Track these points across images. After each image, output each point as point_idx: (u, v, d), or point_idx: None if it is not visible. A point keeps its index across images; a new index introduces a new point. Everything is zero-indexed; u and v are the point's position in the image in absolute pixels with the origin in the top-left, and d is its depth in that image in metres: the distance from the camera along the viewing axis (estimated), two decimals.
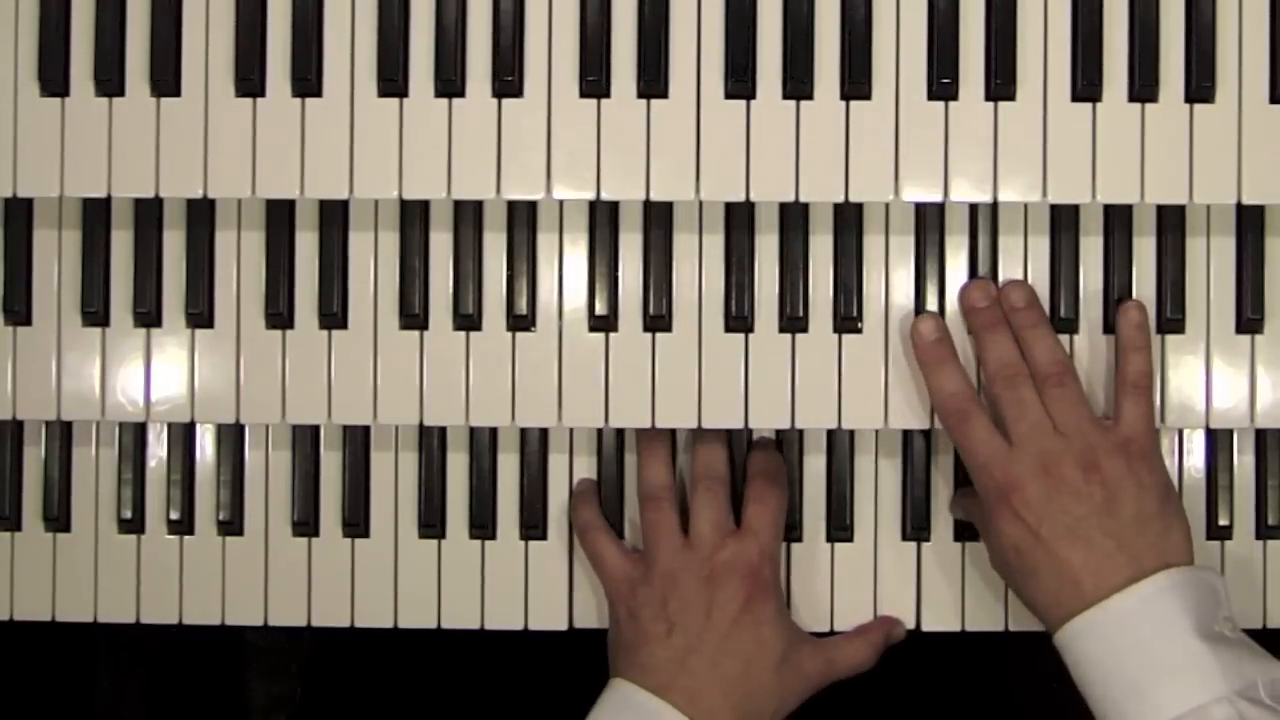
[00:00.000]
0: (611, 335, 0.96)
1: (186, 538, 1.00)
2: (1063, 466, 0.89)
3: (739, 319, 0.96)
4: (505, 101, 0.93)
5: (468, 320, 0.96)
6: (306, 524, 0.99)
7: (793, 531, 0.98)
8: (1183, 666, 0.84)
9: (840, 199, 0.93)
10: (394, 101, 0.93)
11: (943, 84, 0.93)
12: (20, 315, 0.97)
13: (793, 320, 0.96)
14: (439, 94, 0.94)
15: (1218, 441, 0.99)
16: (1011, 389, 0.92)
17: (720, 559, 0.93)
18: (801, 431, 0.99)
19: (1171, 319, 0.96)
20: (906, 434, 0.99)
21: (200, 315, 0.96)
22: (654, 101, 0.93)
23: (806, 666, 0.94)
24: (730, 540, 0.94)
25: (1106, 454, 0.90)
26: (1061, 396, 0.92)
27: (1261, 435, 0.99)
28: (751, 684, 0.92)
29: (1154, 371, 0.94)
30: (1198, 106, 0.93)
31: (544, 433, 1.00)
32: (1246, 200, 0.93)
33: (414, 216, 0.97)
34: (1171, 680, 0.84)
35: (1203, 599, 0.87)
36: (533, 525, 0.99)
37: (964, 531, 0.98)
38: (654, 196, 0.93)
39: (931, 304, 0.96)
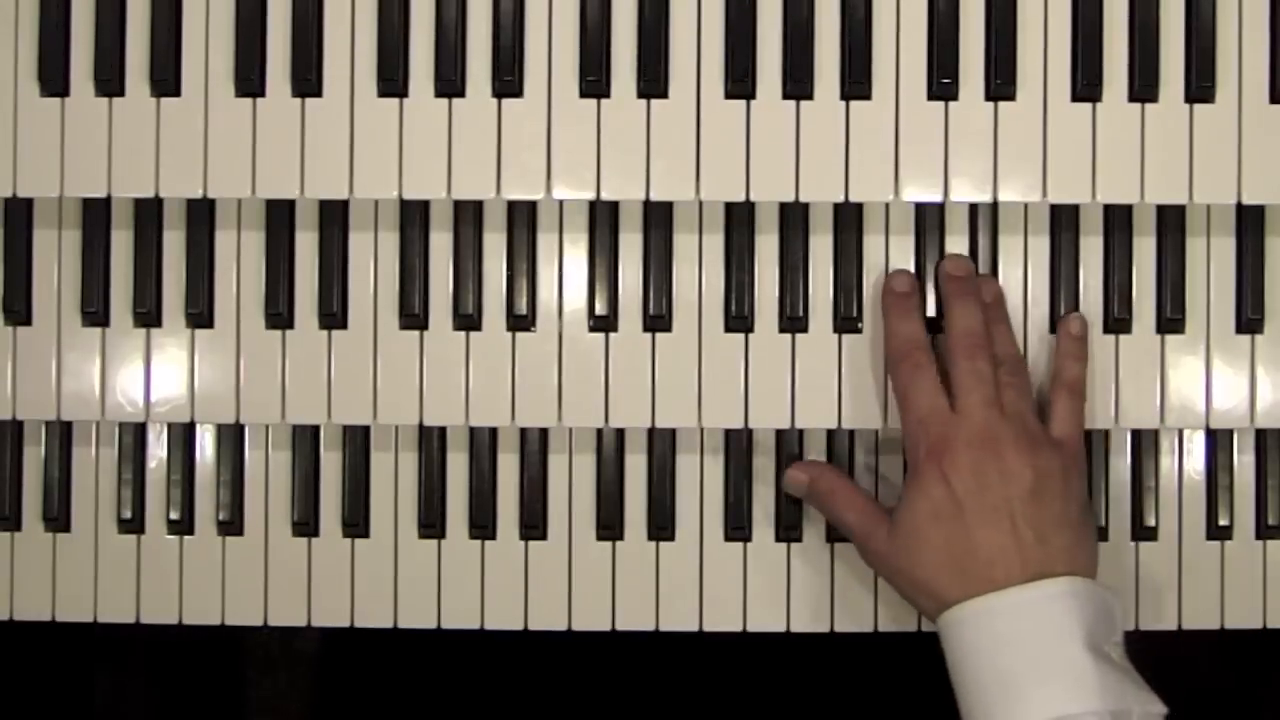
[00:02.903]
0: (611, 335, 0.96)
1: (186, 538, 1.00)
2: (1002, 445, 0.89)
3: (739, 319, 0.96)
4: (505, 101, 0.93)
5: (468, 320, 0.96)
6: (306, 524, 0.99)
7: (793, 531, 0.98)
8: (1063, 673, 0.83)
9: (840, 199, 0.93)
10: (394, 101, 0.93)
11: (943, 84, 0.93)
12: (20, 315, 0.97)
13: (793, 320, 0.96)
14: (439, 94, 0.94)
15: (1218, 441, 0.99)
16: (972, 359, 0.92)
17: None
18: (801, 431, 0.99)
19: (1171, 319, 0.96)
20: None
21: (200, 315, 0.96)
22: (654, 101, 0.93)
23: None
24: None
25: (1044, 446, 0.90)
26: (1013, 385, 0.92)
27: (1261, 435, 0.99)
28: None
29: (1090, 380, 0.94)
30: (1198, 106, 0.93)
31: (544, 433, 1.00)
32: (1246, 200, 0.93)
33: (414, 216, 0.97)
34: (1048, 684, 0.83)
35: (1099, 617, 0.86)
36: (533, 525, 0.99)
37: None
38: (654, 196, 0.93)
39: (931, 304, 0.96)
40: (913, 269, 0.97)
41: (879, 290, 0.96)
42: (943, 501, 0.88)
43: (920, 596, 0.90)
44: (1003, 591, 0.85)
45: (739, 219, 0.97)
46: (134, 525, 0.99)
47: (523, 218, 0.97)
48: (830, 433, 0.99)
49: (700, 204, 0.96)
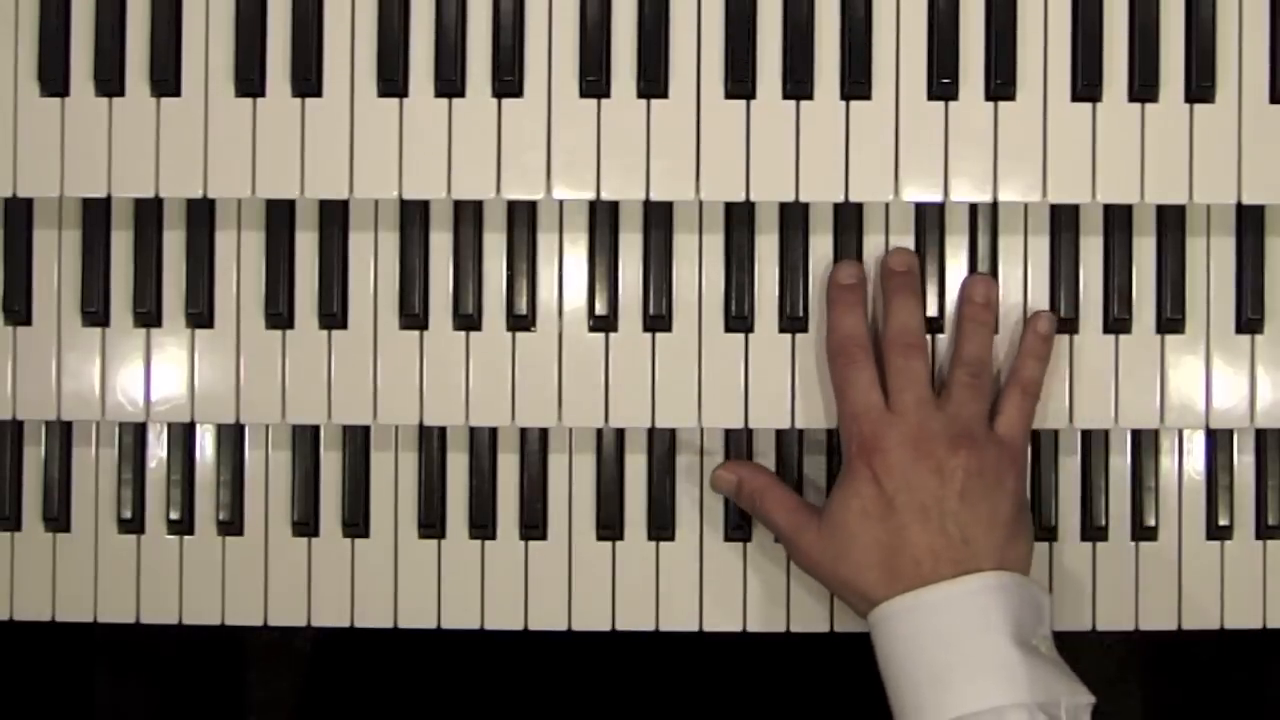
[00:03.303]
0: (611, 335, 0.96)
1: (186, 538, 1.00)
2: (934, 444, 0.89)
3: (739, 319, 0.96)
4: (505, 101, 0.93)
5: (468, 320, 0.96)
6: (306, 524, 0.99)
7: None
8: (990, 666, 0.84)
9: (840, 199, 0.93)
10: (394, 101, 0.93)
11: (943, 84, 0.93)
12: (20, 315, 0.97)
13: (793, 320, 0.96)
14: (439, 94, 0.94)
15: (1218, 441, 0.99)
16: (906, 357, 0.92)
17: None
18: (801, 431, 0.99)
19: (1171, 319, 0.96)
20: None
21: (200, 315, 0.96)
22: (654, 101, 0.93)
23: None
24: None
25: (980, 446, 0.90)
26: (968, 387, 0.92)
27: (1261, 435, 0.99)
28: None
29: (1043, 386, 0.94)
30: (1198, 106, 0.93)
31: (544, 433, 1.00)
32: (1246, 200, 0.93)
33: (414, 216, 0.97)
34: (975, 677, 0.84)
35: (1026, 610, 0.87)
36: (533, 525, 0.99)
37: None
38: (654, 196, 0.93)
39: (932, 304, 0.96)
40: None
41: (879, 290, 0.96)
42: (872, 500, 0.89)
43: (849, 595, 0.91)
44: (931, 587, 0.86)
45: (739, 219, 0.97)
46: (134, 525, 0.99)
47: (523, 218, 0.97)
48: (829, 433, 0.99)
49: (700, 204, 0.96)
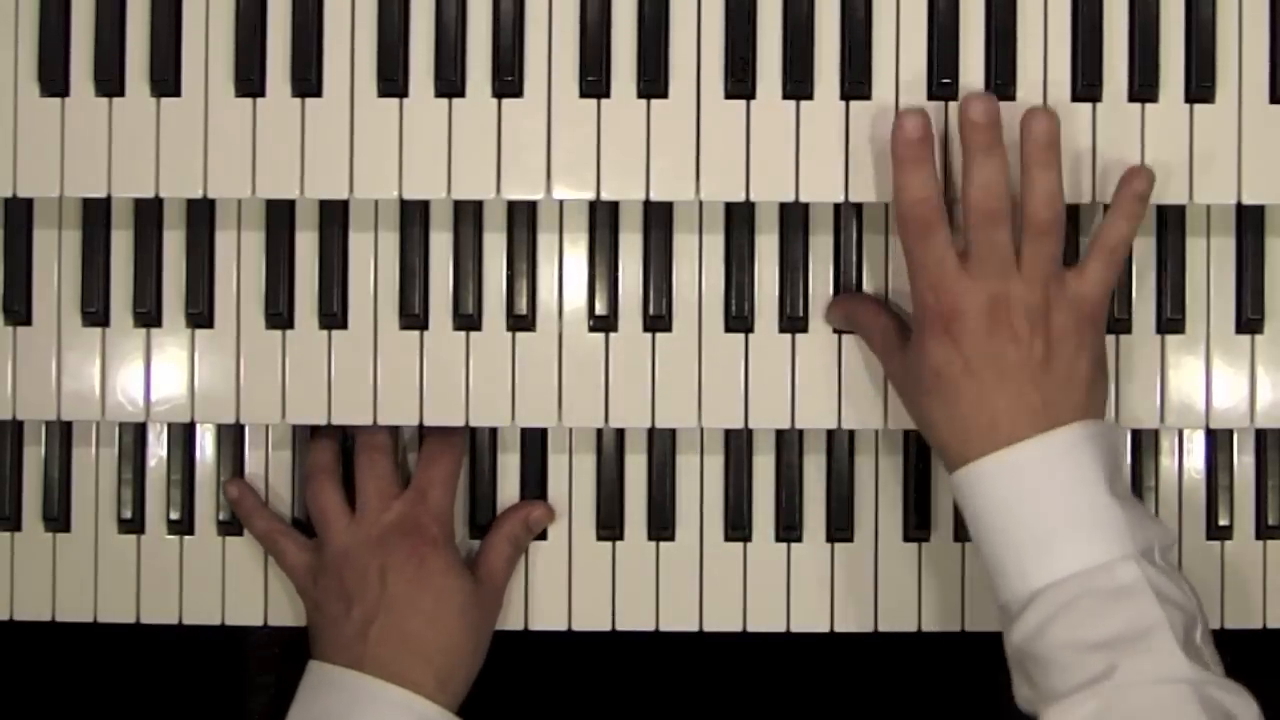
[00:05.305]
0: (611, 335, 0.96)
1: (186, 538, 1.00)
2: (1013, 314, 0.86)
3: (739, 319, 0.96)
4: (505, 101, 0.93)
5: (468, 320, 0.96)
6: (307, 524, 0.99)
7: (792, 531, 0.99)
8: (1091, 521, 0.83)
9: (840, 199, 0.93)
10: (394, 101, 0.93)
11: (942, 84, 0.93)
12: (20, 315, 0.97)
13: (793, 320, 0.96)
14: (439, 94, 0.94)
15: (1218, 441, 0.99)
16: (990, 226, 0.87)
17: (386, 521, 0.94)
18: (801, 431, 0.99)
19: (1171, 319, 0.96)
20: (906, 434, 0.99)
21: (200, 315, 0.96)
22: (654, 101, 0.93)
23: (483, 596, 0.95)
24: (395, 503, 0.95)
25: (1058, 310, 0.87)
26: (1040, 248, 0.87)
27: (1261, 435, 0.99)
28: (440, 637, 0.92)
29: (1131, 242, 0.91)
30: (1198, 106, 0.93)
31: (544, 433, 1.00)
32: (1246, 200, 0.93)
33: (414, 216, 0.97)
34: (1077, 533, 0.83)
35: (1112, 456, 0.86)
36: None
37: (964, 532, 0.98)
38: (654, 196, 0.93)
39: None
40: None
41: (879, 291, 0.96)
42: (948, 362, 0.86)
43: (925, 433, 0.90)
44: (1015, 447, 0.84)
45: (739, 219, 0.97)
46: (134, 525, 0.99)
47: (523, 218, 0.97)
48: (830, 433, 0.99)
49: (700, 204, 0.96)
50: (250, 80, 0.93)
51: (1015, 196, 0.88)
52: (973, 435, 0.86)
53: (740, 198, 0.93)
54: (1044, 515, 0.84)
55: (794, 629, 0.99)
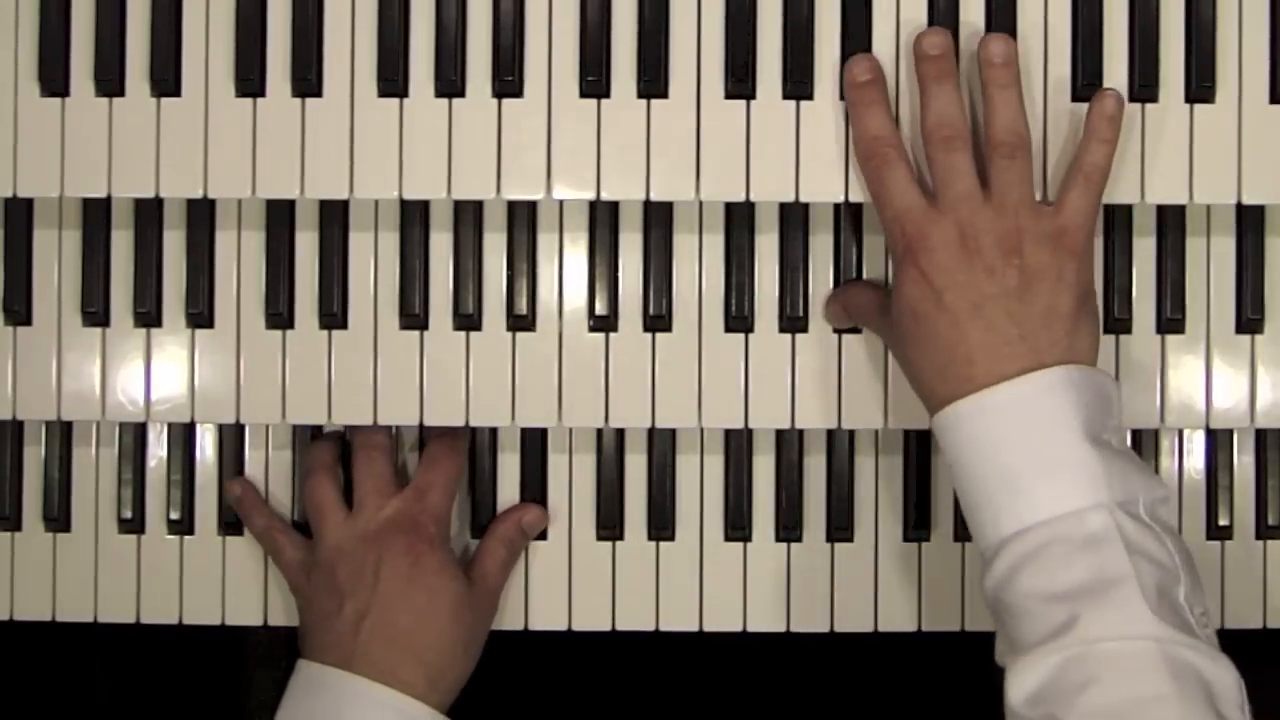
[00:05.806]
0: (611, 335, 0.96)
1: (186, 538, 1.00)
2: (982, 241, 0.84)
3: (739, 319, 0.96)
4: (505, 101, 0.93)
5: (468, 320, 0.96)
6: (307, 526, 0.99)
7: (793, 531, 0.99)
8: (1066, 466, 0.81)
9: (840, 199, 0.93)
10: (394, 101, 0.93)
11: None
12: (20, 315, 0.97)
13: (793, 320, 0.96)
14: (439, 94, 0.94)
15: (1218, 441, 0.99)
16: (947, 151, 0.87)
17: (382, 518, 0.94)
18: (801, 431, 0.99)
19: (1171, 319, 0.96)
20: (906, 434, 0.99)
21: (200, 315, 0.96)
22: (654, 101, 0.93)
23: (477, 599, 0.94)
24: (393, 500, 0.95)
25: (1033, 239, 0.85)
26: (1008, 169, 0.86)
27: (1261, 435, 0.99)
28: (432, 636, 0.91)
29: (1110, 169, 0.89)
30: (1198, 106, 0.93)
31: (544, 433, 1.00)
32: (1246, 200, 0.93)
33: (414, 216, 0.97)
34: (1051, 479, 0.81)
35: (1096, 402, 0.83)
36: None
37: (964, 532, 0.98)
38: (654, 196, 0.93)
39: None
40: None
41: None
42: (921, 301, 0.85)
43: (916, 390, 0.88)
44: (992, 389, 0.83)
45: (739, 219, 0.97)
46: (134, 525, 0.99)
47: (523, 218, 0.97)
48: (830, 433, 0.99)
49: (700, 204, 0.96)
50: (250, 80, 0.93)
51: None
52: (950, 374, 0.84)
53: (740, 198, 0.93)
54: (1017, 460, 0.82)
55: (794, 629, 0.99)
